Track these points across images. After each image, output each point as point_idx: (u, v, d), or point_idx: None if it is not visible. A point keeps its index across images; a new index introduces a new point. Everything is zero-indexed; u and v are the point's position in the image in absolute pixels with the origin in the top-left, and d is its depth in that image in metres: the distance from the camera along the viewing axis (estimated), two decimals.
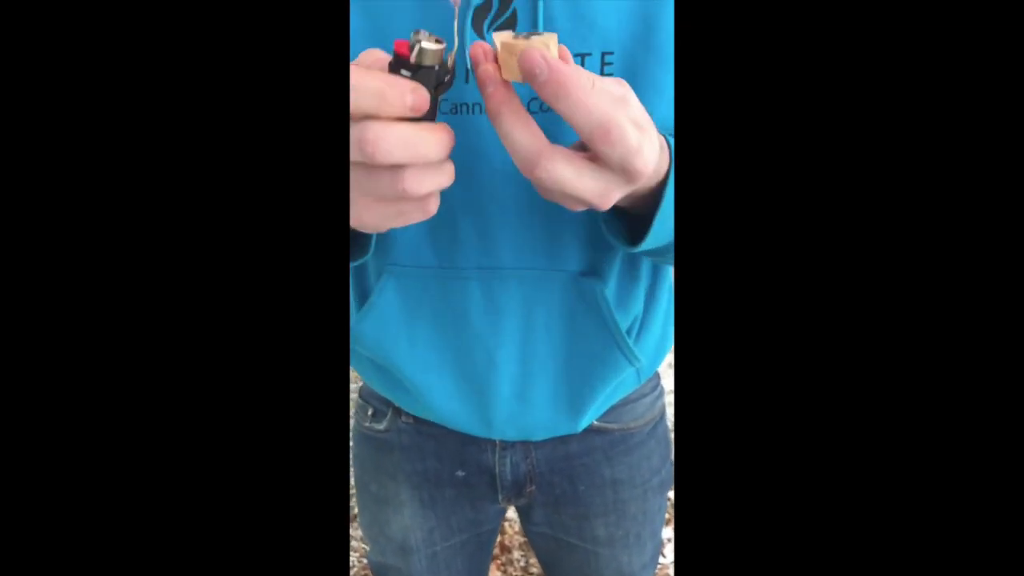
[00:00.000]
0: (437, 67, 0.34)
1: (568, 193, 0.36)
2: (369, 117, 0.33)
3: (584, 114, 0.33)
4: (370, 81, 0.33)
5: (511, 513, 1.08)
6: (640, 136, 0.35)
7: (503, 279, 0.57)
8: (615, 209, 0.47)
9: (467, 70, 0.50)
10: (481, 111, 0.51)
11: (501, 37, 0.34)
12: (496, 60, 0.35)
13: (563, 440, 0.69)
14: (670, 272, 0.69)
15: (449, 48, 0.34)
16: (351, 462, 0.79)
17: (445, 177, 0.36)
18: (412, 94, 0.33)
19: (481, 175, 0.54)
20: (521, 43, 0.33)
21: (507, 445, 0.69)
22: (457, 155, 0.53)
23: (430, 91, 0.34)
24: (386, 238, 0.58)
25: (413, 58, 0.33)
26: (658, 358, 0.71)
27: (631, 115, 0.35)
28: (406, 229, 0.57)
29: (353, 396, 0.82)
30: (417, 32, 0.33)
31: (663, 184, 0.42)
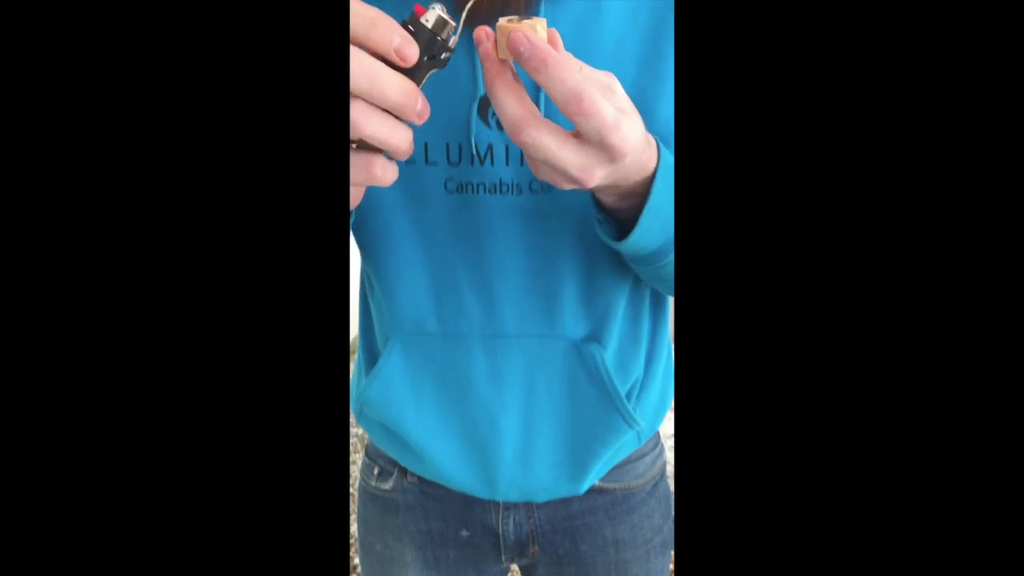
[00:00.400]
0: (439, 39, 0.37)
1: (551, 163, 0.39)
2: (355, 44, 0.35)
3: (558, 84, 0.36)
4: (368, 10, 0.35)
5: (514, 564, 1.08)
6: (618, 115, 0.37)
7: (506, 346, 0.60)
8: (609, 211, 0.49)
9: (472, 155, 0.53)
10: (485, 191, 0.54)
11: (500, 22, 0.37)
12: (495, 42, 0.38)
13: (565, 500, 0.70)
14: (668, 334, 0.72)
15: (454, 32, 0.37)
16: (356, 521, 0.80)
17: (398, 134, 0.37)
18: (401, 38, 0.35)
19: (484, 247, 0.57)
20: (513, 26, 0.37)
21: (510, 506, 0.70)
22: (462, 230, 0.56)
23: (421, 55, 0.36)
24: (392, 305, 0.61)
25: (424, 19, 0.36)
26: (658, 419, 0.72)
27: (616, 102, 0.38)
28: (411, 296, 0.59)
29: (360, 455, 0.83)
30: (437, 4, 0.37)
31: (653, 182, 0.44)
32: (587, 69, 0.37)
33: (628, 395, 0.65)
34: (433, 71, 0.38)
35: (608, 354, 0.61)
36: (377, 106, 0.36)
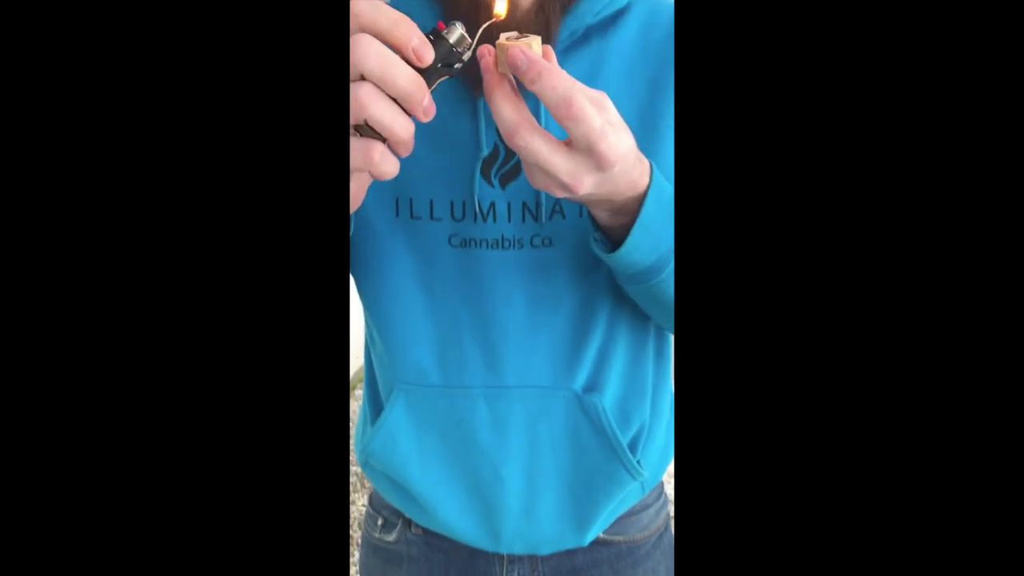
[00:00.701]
0: (455, 50, 0.40)
1: (543, 167, 0.41)
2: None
3: (550, 90, 0.39)
4: (393, 12, 0.38)
5: None
6: (604, 123, 0.40)
7: (508, 397, 0.61)
8: (605, 230, 0.51)
9: (476, 212, 0.55)
10: (487, 247, 0.56)
11: (499, 40, 0.41)
12: (496, 58, 0.41)
13: (569, 553, 0.70)
14: (671, 384, 0.72)
15: (468, 48, 0.41)
16: (359, 572, 0.80)
17: (401, 122, 0.39)
18: (420, 40, 0.38)
19: (486, 300, 0.58)
20: (511, 43, 0.40)
21: (514, 558, 0.70)
22: (465, 283, 0.58)
23: (436, 61, 0.39)
24: (395, 357, 0.62)
25: (446, 33, 0.40)
26: (661, 469, 0.72)
27: (606, 116, 0.41)
28: (415, 348, 0.61)
29: (364, 506, 0.83)
30: (458, 23, 0.40)
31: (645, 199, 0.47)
32: (580, 84, 0.40)
33: (631, 445, 0.65)
34: (443, 79, 0.41)
35: (610, 404, 0.62)
36: (385, 93, 0.38)
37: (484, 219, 0.55)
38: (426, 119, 0.40)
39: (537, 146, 0.41)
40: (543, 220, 0.55)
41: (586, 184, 0.42)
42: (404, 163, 0.55)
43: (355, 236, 0.60)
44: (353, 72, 0.38)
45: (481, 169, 0.55)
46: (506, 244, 0.56)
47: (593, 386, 0.62)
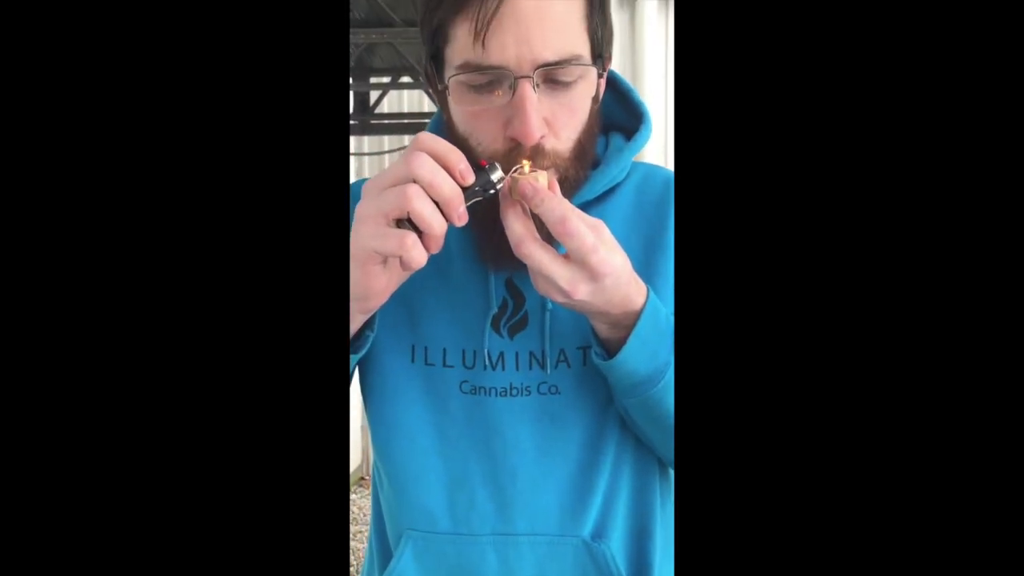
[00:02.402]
0: (490, 177, 0.49)
1: (544, 274, 0.49)
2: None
3: (549, 212, 0.48)
4: (449, 145, 0.48)
5: None
6: (597, 241, 0.48)
7: (517, 545, 0.61)
8: (604, 344, 0.55)
9: (485, 362, 0.59)
10: (496, 394, 0.59)
11: (512, 174, 0.50)
12: (510, 188, 0.50)
13: None
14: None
15: (501, 180, 0.50)
16: None
17: (438, 219, 0.47)
18: (466, 166, 0.48)
19: (495, 447, 0.60)
20: (522, 177, 0.49)
21: None
22: (475, 429, 0.60)
23: (475, 184, 0.48)
24: (404, 503, 0.63)
25: (487, 168, 0.49)
26: None
27: (602, 237, 0.49)
28: (425, 492, 0.62)
29: None
30: (497, 163, 0.50)
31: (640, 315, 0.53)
32: (578, 210, 0.49)
33: None
34: (476, 200, 0.49)
35: (618, 550, 0.62)
36: (429, 196, 0.46)
37: (494, 367, 0.59)
38: (459, 223, 0.47)
39: (539, 256, 0.49)
40: (549, 369, 0.58)
41: (581, 291, 0.49)
42: (422, 315, 0.60)
43: (370, 380, 0.64)
44: (405, 177, 0.46)
45: (491, 322, 0.59)
46: (514, 391, 0.59)
47: (600, 532, 0.62)
